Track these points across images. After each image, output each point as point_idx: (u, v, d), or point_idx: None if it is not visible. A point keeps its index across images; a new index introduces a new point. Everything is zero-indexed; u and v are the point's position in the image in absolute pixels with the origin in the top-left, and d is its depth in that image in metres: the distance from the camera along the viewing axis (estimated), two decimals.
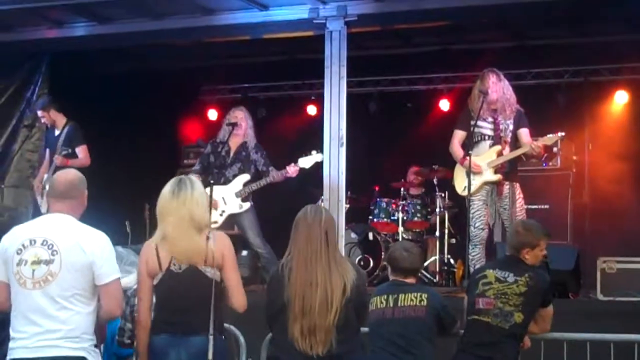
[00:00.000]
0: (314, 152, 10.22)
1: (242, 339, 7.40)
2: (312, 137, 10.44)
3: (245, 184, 10.41)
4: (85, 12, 10.52)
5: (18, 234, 5.63)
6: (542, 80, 13.46)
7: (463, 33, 12.89)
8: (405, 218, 12.09)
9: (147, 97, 13.07)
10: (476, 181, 9.63)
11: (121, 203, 12.36)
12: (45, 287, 5.46)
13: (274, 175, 10.34)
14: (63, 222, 5.65)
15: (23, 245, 5.52)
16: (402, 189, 12.33)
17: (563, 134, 9.92)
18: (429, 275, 11.61)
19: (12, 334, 5.53)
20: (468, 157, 9.45)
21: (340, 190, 9.66)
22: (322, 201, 9.92)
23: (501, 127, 9.77)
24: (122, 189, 12.58)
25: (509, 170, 9.72)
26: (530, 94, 13.17)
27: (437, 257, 11.63)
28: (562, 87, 13.31)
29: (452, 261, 11.78)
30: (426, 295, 6.81)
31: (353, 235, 11.98)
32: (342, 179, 9.67)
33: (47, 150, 11.25)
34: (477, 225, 9.69)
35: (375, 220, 12.45)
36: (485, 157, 9.72)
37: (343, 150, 9.68)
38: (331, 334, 5.67)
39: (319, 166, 9.92)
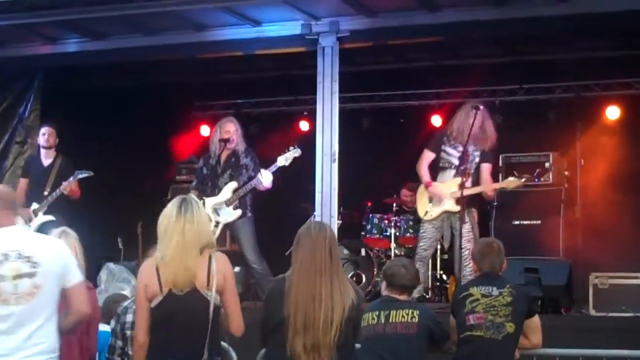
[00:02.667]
0: (291, 148, 10.29)
1: (234, 355, 7.38)
2: (304, 153, 10.43)
3: (235, 191, 10.39)
4: (78, 28, 10.53)
5: None
6: (533, 95, 13.47)
7: (455, 49, 12.93)
8: (397, 234, 12.09)
9: (140, 113, 13.09)
10: (437, 209, 10.02)
11: (114, 219, 12.37)
12: (31, 301, 5.37)
13: (258, 178, 10.27)
14: (26, 234, 5.65)
15: None
16: (394, 205, 12.33)
17: (524, 179, 10.32)
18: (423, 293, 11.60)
19: None
20: (433, 184, 9.96)
21: (332, 206, 9.66)
22: (314, 217, 9.92)
23: (469, 158, 10.00)
24: (114, 206, 12.57)
25: (469, 199, 9.91)
26: (521, 110, 13.26)
27: (430, 273, 11.62)
28: (553, 102, 13.32)
29: (444, 277, 11.78)
30: (418, 312, 6.83)
31: (345, 251, 11.96)
32: (334, 195, 9.67)
33: (27, 180, 11.20)
34: (420, 245, 10.12)
35: (367, 236, 12.45)
36: (448, 186, 9.99)
37: (335, 165, 9.68)
38: (332, 352, 5.62)
39: (311, 182, 9.91)
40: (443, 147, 10.08)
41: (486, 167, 10.05)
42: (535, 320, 6.90)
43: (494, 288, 6.80)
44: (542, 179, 12.05)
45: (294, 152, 10.29)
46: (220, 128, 10.73)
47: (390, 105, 14.22)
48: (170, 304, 5.66)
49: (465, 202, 9.82)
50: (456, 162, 10.01)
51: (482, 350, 6.66)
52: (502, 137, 12.85)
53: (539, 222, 11.69)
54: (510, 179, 10.18)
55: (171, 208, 5.74)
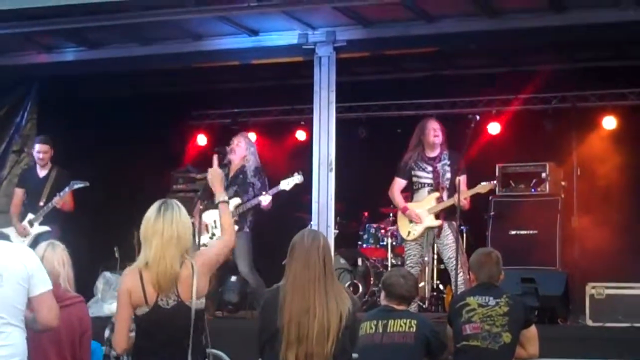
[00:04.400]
0: (295, 174, 10.34)
1: None
2: (301, 162, 10.45)
3: (237, 207, 10.42)
4: (75, 37, 10.53)
5: None
6: (529, 105, 13.49)
7: (452, 59, 12.94)
8: (394, 244, 12.10)
9: (136, 122, 13.07)
10: (419, 227, 10.17)
11: (110, 229, 12.35)
12: None
13: (256, 200, 10.37)
14: None
15: None
16: (391, 214, 12.33)
17: (495, 182, 10.79)
18: (418, 302, 11.60)
19: None
20: (409, 208, 10.17)
21: (329, 216, 9.65)
22: (310, 226, 9.92)
23: (439, 174, 10.20)
24: (110, 215, 12.56)
25: (447, 212, 10.09)
26: (518, 120, 13.27)
27: (427, 283, 11.63)
28: (549, 112, 13.35)
29: (441, 287, 11.78)
30: (415, 322, 6.82)
31: (342, 261, 11.96)
32: (331, 205, 9.67)
33: (23, 190, 11.20)
34: (407, 263, 10.16)
35: (364, 246, 12.48)
36: (425, 204, 10.20)
37: (332, 175, 9.68)
38: None
39: (307, 191, 9.92)
40: (412, 172, 10.30)
41: (462, 179, 10.13)
42: (532, 330, 6.90)
43: (491, 298, 6.81)
44: (538, 189, 12.07)
45: (295, 179, 10.37)
46: (232, 141, 10.87)
47: (387, 115, 14.22)
48: (157, 317, 5.56)
49: (444, 215, 10.06)
50: (429, 180, 10.23)
51: None
52: (498, 147, 12.98)
53: (535, 232, 11.69)
54: (483, 183, 10.31)
55: (151, 211, 5.65)
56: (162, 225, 5.59)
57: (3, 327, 5.39)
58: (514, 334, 6.73)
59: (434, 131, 10.21)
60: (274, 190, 10.39)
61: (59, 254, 6.43)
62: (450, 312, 7.05)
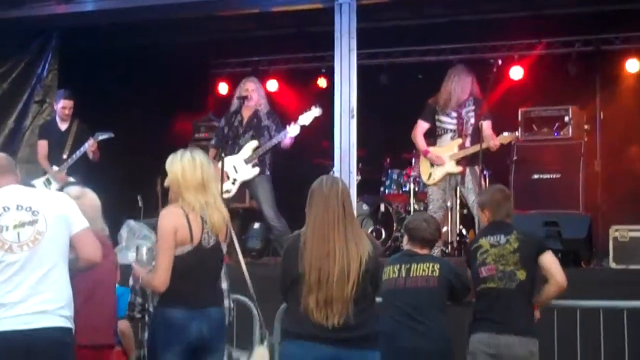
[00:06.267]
0: (312, 107, 10.36)
1: (255, 311, 7.42)
2: (323, 110, 10.45)
3: (255, 150, 10.47)
4: None
5: None
6: (552, 50, 13.39)
7: (474, 4, 12.82)
8: (416, 189, 12.08)
9: (157, 71, 13.06)
10: (439, 172, 10.42)
11: (133, 178, 12.39)
12: (35, 248, 5.40)
13: (278, 137, 10.41)
14: (24, 188, 5.67)
15: None
16: (413, 160, 12.31)
17: (517, 134, 11.06)
18: (441, 247, 11.61)
19: None
20: (430, 151, 10.39)
21: (351, 162, 9.66)
22: (332, 173, 9.93)
23: (463, 121, 10.35)
24: (133, 164, 12.59)
25: (470, 157, 10.29)
26: (541, 64, 13.19)
27: (449, 227, 11.62)
28: (572, 56, 13.24)
29: (464, 231, 11.78)
30: (438, 266, 6.85)
31: (365, 207, 11.96)
32: (353, 151, 9.67)
33: (46, 142, 11.24)
34: (430, 208, 10.45)
35: (386, 191, 12.50)
36: (447, 149, 10.42)
37: (354, 122, 9.67)
38: (348, 306, 5.61)
39: (328, 137, 9.91)
40: (436, 116, 10.47)
41: (486, 124, 10.27)
42: (547, 259, 6.74)
43: (502, 236, 6.77)
44: (561, 133, 12.01)
45: (314, 112, 10.39)
46: (241, 87, 10.92)
47: (408, 61, 14.15)
48: (198, 256, 5.81)
49: (466, 161, 10.26)
50: (452, 127, 10.40)
51: (499, 301, 6.65)
52: (521, 91, 12.91)
53: (558, 175, 11.66)
54: (505, 134, 10.44)
55: (199, 158, 5.91)
56: (211, 173, 5.95)
57: (51, 270, 5.43)
58: (529, 269, 6.67)
59: (458, 83, 10.34)
60: (295, 127, 10.41)
61: (90, 199, 6.52)
62: (468, 255, 7.07)
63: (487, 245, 6.79)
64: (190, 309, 5.79)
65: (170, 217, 5.82)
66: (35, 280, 5.38)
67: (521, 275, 6.66)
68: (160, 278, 5.77)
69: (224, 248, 5.99)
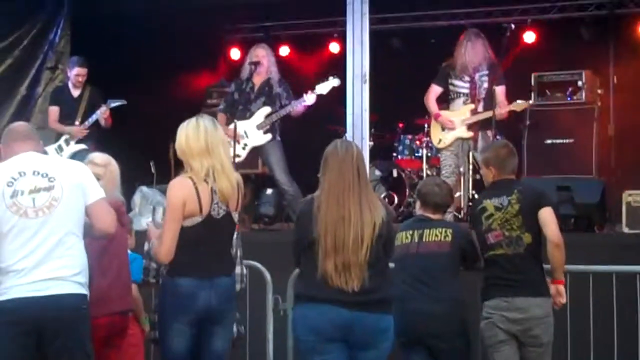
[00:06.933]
0: (330, 77, 10.34)
1: (267, 276, 7.45)
2: (335, 76, 10.42)
3: (267, 116, 10.48)
4: None
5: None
6: (566, 14, 13.32)
7: None
8: (429, 154, 12.08)
9: (169, 37, 13.03)
10: (450, 136, 10.43)
11: (145, 145, 12.39)
12: (50, 214, 5.41)
13: (294, 104, 10.40)
14: (41, 156, 5.69)
15: (13, 178, 5.43)
16: (426, 125, 12.28)
17: (532, 101, 11.10)
18: (454, 212, 11.61)
19: (6, 269, 5.36)
20: (441, 114, 10.43)
21: (364, 128, 9.64)
22: (345, 138, 9.92)
23: (476, 85, 10.35)
24: (145, 130, 12.60)
25: (482, 122, 10.31)
26: (554, 29, 13.12)
27: (462, 193, 11.61)
28: (586, 20, 13.17)
29: (476, 197, 11.76)
30: (451, 231, 6.84)
31: (377, 172, 11.97)
32: (365, 117, 9.65)
33: (58, 108, 11.22)
34: (443, 174, 10.41)
35: (399, 157, 12.49)
36: (459, 114, 10.42)
37: (366, 87, 9.63)
38: (364, 270, 5.63)
39: (341, 103, 9.90)
40: (450, 80, 10.47)
41: (499, 90, 10.30)
42: (544, 214, 6.57)
43: (504, 197, 6.63)
44: (574, 98, 11.96)
45: (332, 82, 10.37)
46: (251, 53, 10.88)
47: (420, 26, 14.09)
48: (207, 227, 5.78)
49: (479, 126, 10.28)
50: (464, 91, 10.39)
51: (510, 266, 6.58)
52: (534, 55, 12.85)
53: (571, 140, 11.64)
54: (518, 101, 10.45)
55: (203, 123, 5.86)
56: (221, 135, 5.89)
57: (66, 237, 5.45)
58: (533, 231, 6.58)
59: (469, 47, 10.33)
60: (311, 96, 10.40)
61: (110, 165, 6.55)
62: (472, 217, 6.96)
63: (491, 208, 6.68)
64: (199, 279, 5.78)
65: (178, 189, 5.77)
66: (50, 246, 5.39)
67: (527, 239, 6.57)
68: (165, 250, 5.76)
69: (235, 217, 5.94)
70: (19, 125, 5.94)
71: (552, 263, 6.62)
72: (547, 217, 6.60)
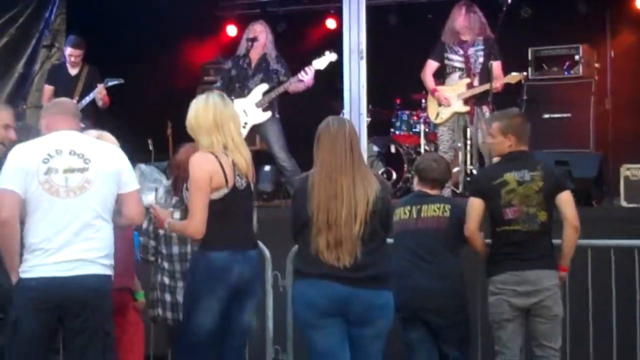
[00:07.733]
0: (327, 52, 10.36)
1: (267, 253, 7.46)
2: (332, 51, 10.40)
3: (265, 94, 10.47)
4: None
5: (37, 145, 5.55)
6: None
7: None
8: (427, 130, 12.08)
9: (165, 14, 12.98)
10: (446, 111, 10.43)
11: (142, 121, 12.38)
12: (81, 195, 5.42)
13: (292, 81, 10.39)
14: (83, 136, 5.70)
15: (49, 155, 5.44)
16: (423, 101, 12.27)
17: (525, 73, 10.95)
18: (452, 187, 11.61)
19: (32, 246, 5.39)
20: (438, 90, 10.41)
21: (361, 104, 9.62)
22: (342, 115, 9.91)
23: (471, 60, 10.33)
24: (142, 107, 12.58)
25: (478, 97, 10.28)
26: (551, 2, 13.07)
27: (460, 167, 11.61)
28: None
29: (474, 172, 11.76)
30: (449, 206, 6.86)
31: (375, 148, 11.96)
32: (362, 92, 9.61)
33: (53, 88, 11.16)
34: (440, 149, 10.44)
35: (397, 132, 12.50)
36: (455, 89, 10.40)
37: (363, 63, 9.60)
38: (357, 246, 5.66)
39: (340, 79, 9.89)
40: (445, 54, 10.45)
41: (496, 65, 10.29)
42: (564, 197, 6.59)
43: (526, 171, 6.54)
44: (571, 72, 11.96)
45: (329, 57, 10.36)
46: (249, 29, 10.89)
47: (417, 1, 14.05)
48: (234, 198, 5.83)
49: (475, 101, 10.25)
50: (459, 65, 10.38)
51: (524, 242, 6.54)
52: (530, 30, 12.81)
53: (569, 115, 11.65)
54: (513, 73, 10.39)
55: (212, 99, 5.90)
56: (231, 111, 5.93)
57: (95, 220, 5.46)
58: (549, 210, 6.57)
59: (462, 17, 10.30)
60: (310, 71, 10.38)
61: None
62: (486, 187, 6.69)
63: (513, 182, 6.55)
64: (233, 252, 5.82)
65: (203, 164, 5.78)
66: (77, 228, 5.41)
67: (542, 216, 6.53)
68: (197, 226, 5.77)
69: (253, 188, 6.02)
70: (68, 101, 6.08)
71: (565, 246, 6.61)
72: (568, 200, 6.61)
